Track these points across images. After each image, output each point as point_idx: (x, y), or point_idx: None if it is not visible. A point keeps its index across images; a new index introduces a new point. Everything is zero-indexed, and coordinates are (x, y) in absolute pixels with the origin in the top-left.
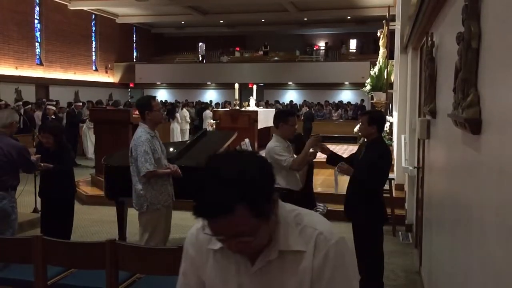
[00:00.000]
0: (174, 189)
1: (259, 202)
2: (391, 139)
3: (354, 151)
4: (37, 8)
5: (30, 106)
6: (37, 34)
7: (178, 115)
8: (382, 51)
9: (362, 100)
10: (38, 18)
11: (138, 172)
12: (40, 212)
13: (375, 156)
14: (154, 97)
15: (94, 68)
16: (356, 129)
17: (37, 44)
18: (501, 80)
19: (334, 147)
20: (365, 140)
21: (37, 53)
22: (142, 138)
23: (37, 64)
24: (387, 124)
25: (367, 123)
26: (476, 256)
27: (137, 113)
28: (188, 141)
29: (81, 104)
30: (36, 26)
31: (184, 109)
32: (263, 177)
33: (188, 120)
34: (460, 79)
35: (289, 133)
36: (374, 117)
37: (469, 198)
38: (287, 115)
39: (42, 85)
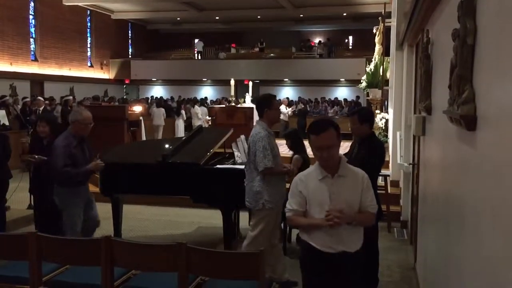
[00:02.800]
0: (170, 187)
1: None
2: (386, 136)
3: (348, 148)
4: (31, 4)
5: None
6: (32, 30)
7: (183, 112)
8: (378, 48)
9: (358, 97)
10: (33, 14)
11: (256, 168)
12: (33, 209)
13: (368, 152)
14: (275, 95)
15: (89, 64)
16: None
17: (31, 40)
18: (496, 77)
19: None
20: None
21: (32, 49)
22: (261, 134)
23: (32, 60)
24: (383, 121)
25: (358, 122)
26: (471, 252)
27: (133, 109)
28: (184, 137)
29: (41, 100)
30: (30, 22)
31: (196, 106)
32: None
33: (200, 117)
34: (455, 75)
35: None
36: (364, 115)
37: (464, 194)
38: (311, 132)
39: (37, 81)
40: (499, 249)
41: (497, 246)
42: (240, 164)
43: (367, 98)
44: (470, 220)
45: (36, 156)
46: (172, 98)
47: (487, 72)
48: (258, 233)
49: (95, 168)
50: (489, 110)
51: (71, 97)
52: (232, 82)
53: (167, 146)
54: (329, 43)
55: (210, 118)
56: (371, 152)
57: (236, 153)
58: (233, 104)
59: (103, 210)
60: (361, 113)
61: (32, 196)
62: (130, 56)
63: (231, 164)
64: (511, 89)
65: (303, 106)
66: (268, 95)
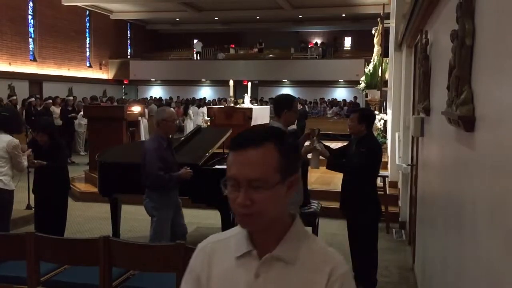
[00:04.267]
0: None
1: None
2: (385, 137)
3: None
4: (30, 4)
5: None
6: (31, 30)
7: (191, 112)
8: (376, 49)
9: (355, 98)
10: (32, 14)
11: None
12: (33, 209)
13: (365, 151)
14: (294, 97)
15: (88, 64)
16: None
17: (30, 40)
18: (495, 78)
19: (329, 145)
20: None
21: (31, 49)
22: None
23: (31, 60)
24: (382, 122)
25: (357, 120)
26: (469, 253)
27: (131, 109)
28: (183, 138)
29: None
30: (29, 22)
31: (205, 107)
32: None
33: (206, 117)
34: (454, 76)
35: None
36: (364, 115)
37: (462, 195)
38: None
39: (36, 81)
40: (497, 249)
41: (495, 246)
42: None
43: (366, 99)
44: (469, 221)
45: (36, 161)
46: (171, 99)
47: (486, 73)
48: None
49: (185, 175)
50: (488, 111)
51: (71, 97)
52: (231, 82)
53: None
54: (324, 46)
55: (208, 118)
56: (368, 152)
57: None
58: (232, 104)
59: (102, 210)
60: (362, 113)
61: (34, 196)
62: (129, 56)
63: None
64: (509, 90)
65: (301, 107)
66: (289, 95)
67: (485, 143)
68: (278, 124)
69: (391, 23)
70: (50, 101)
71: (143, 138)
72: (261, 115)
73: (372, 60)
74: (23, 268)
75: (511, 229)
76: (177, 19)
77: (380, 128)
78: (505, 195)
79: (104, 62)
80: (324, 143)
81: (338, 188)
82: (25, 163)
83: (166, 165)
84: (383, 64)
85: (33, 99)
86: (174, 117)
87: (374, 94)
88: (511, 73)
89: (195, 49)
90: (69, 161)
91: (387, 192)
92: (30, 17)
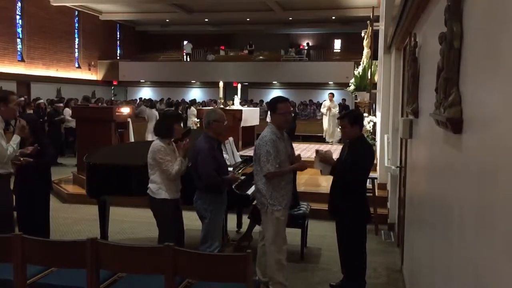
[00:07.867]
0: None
1: None
2: (374, 139)
3: (338, 150)
4: (19, 4)
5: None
6: (19, 30)
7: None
8: (366, 51)
9: (344, 100)
10: (20, 14)
11: (261, 171)
12: (16, 210)
13: (358, 155)
14: (285, 99)
15: (77, 65)
16: (338, 130)
17: (18, 40)
18: (482, 80)
19: (318, 147)
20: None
21: (19, 49)
22: (266, 138)
23: (19, 60)
24: (371, 124)
25: (349, 125)
26: (457, 254)
27: (121, 110)
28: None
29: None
30: (17, 22)
31: (192, 107)
32: None
33: (196, 119)
34: (442, 78)
35: None
36: (355, 117)
37: (450, 197)
38: None
39: (24, 82)
40: (484, 251)
41: (482, 248)
42: (228, 166)
43: (355, 101)
44: (456, 223)
45: (22, 159)
46: (161, 100)
47: (474, 75)
48: (272, 239)
49: (233, 179)
50: (475, 113)
51: (42, 100)
52: (221, 84)
53: None
54: (306, 48)
55: (198, 120)
56: (362, 156)
57: (224, 155)
58: (222, 106)
59: (90, 212)
60: (351, 115)
61: (15, 197)
62: (118, 57)
63: None
64: (497, 92)
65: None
66: (275, 98)
67: (472, 145)
68: (273, 127)
69: (381, 26)
70: (61, 104)
71: (132, 140)
72: (251, 116)
73: (361, 63)
74: (10, 271)
75: (498, 231)
76: (167, 20)
77: (370, 130)
78: (492, 197)
79: (93, 63)
80: (312, 145)
81: (327, 190)
82: (174, 168)
83: (218, 165)
84: (372, 67)
85: (42, 100)
86: (225, 118)
87: (364, 96)
88: (499, 75)
89: (185, 51)
90: (57, 162)
91: (376, 194)
92: (18, 17)
